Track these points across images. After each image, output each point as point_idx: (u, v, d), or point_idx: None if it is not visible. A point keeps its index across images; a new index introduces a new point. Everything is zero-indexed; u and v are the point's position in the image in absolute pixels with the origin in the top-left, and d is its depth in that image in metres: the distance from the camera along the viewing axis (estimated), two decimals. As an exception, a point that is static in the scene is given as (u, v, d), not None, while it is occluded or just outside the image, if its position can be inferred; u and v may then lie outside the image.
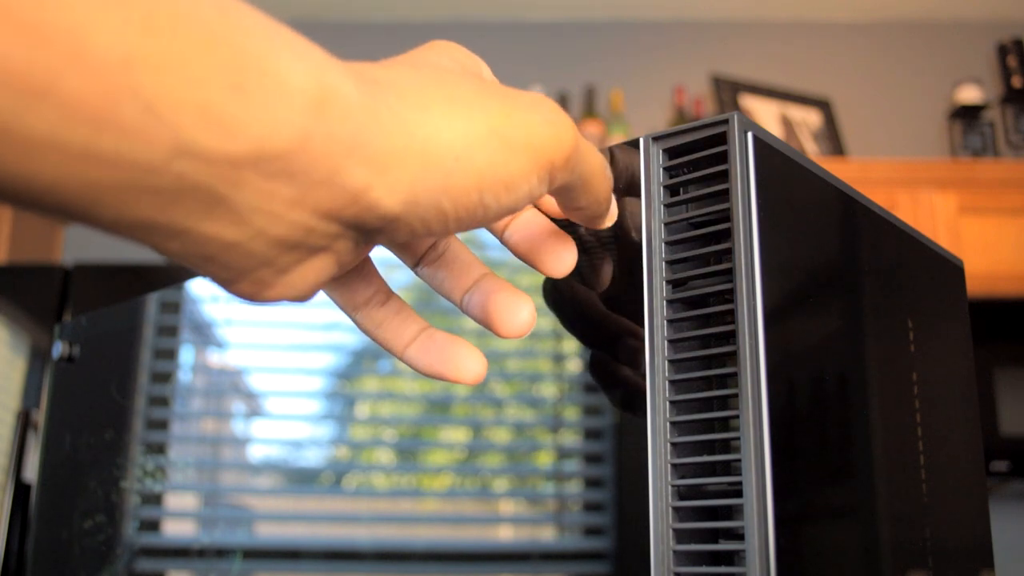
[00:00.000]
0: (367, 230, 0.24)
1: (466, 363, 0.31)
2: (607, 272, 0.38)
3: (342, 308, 0.32)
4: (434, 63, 0.29)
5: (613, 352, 0.38)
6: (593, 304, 0.38)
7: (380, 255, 0.32)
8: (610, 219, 0.32)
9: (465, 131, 0.24)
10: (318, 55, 0.22)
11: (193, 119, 0.19)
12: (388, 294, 0.32)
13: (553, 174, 0.26)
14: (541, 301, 0.40)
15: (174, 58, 0.18)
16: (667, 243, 0.35)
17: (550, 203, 0.34)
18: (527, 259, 0.32)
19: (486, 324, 0.31)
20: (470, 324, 0.33)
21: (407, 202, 0.23)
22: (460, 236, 0.33)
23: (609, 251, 0.37)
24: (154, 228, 0.21)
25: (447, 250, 0.32)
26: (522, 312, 0.31)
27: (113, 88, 0.18)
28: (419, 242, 0.33)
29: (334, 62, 0.22)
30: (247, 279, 0.23)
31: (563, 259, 0.32)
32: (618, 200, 0.35)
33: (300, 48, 0.21)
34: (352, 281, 0.31)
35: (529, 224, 0.32)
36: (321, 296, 0.33)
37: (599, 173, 0.29)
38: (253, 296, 0.24)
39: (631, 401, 0.36)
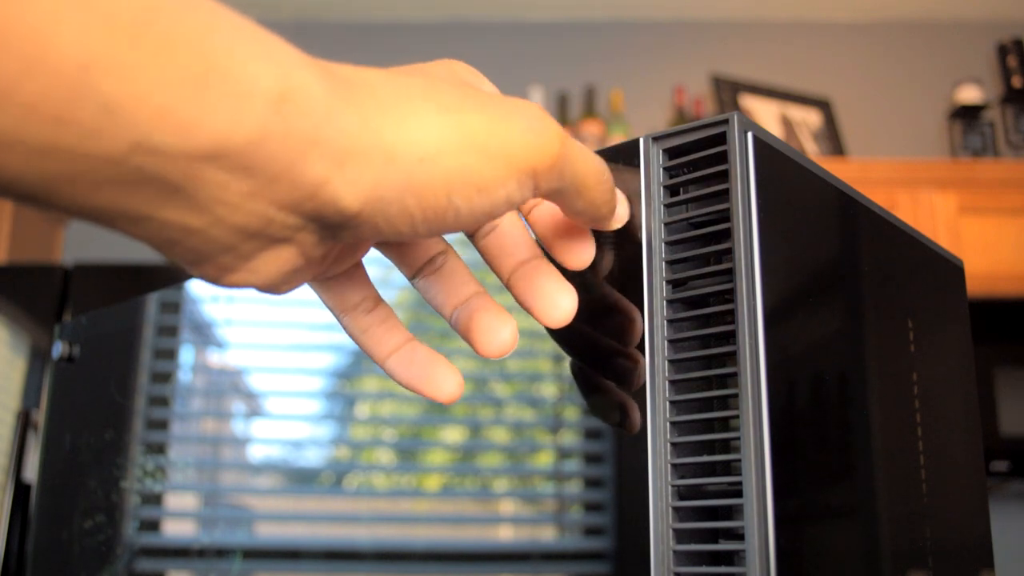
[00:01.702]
0: (329, 224, 0.24)
1: (443, 382, 0.31)
2: (603, 273, 0.38)
3: (331, 310, 0.32)
4: (431, 73, 0.29)
5: (599, 363, 0.38)
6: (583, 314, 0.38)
7: (374, 256, 0.32)
8: (617, 221, 0.32)
9: (438, 135, 0.24)
10: (285, 52, 0.22)
11: (151, 118, 0.19)
12: (376, 302, 0.32)
13: (536, 180, 0.26)
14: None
15: (134, 61, 0.19)
16: (667, 243, 0.35)
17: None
18: (546, 245, 0.33)
19: (468, 342, 0.32)
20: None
21: (368, 199, 0.23)
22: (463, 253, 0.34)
23: (608, 252, 0.37)
24: (115, 214, 0.21)
25: (444, 265, 0.33)
26: (502, 332, 0.31)
27: (72, 91, 0.18)
28: (416, 253, 0.33)
29: (302, 60, 0.22)
30: (210, 263, 0.24)
31: (580, 253, 0.32)
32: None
33: (265, 46, 0.21)
34: (341, 284, 0.32)
35: (531, 271, 0.32)
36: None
37: (594, 177, 0.28)
38: (217, 280, 0.24)
39: (617, 404, 0.36)
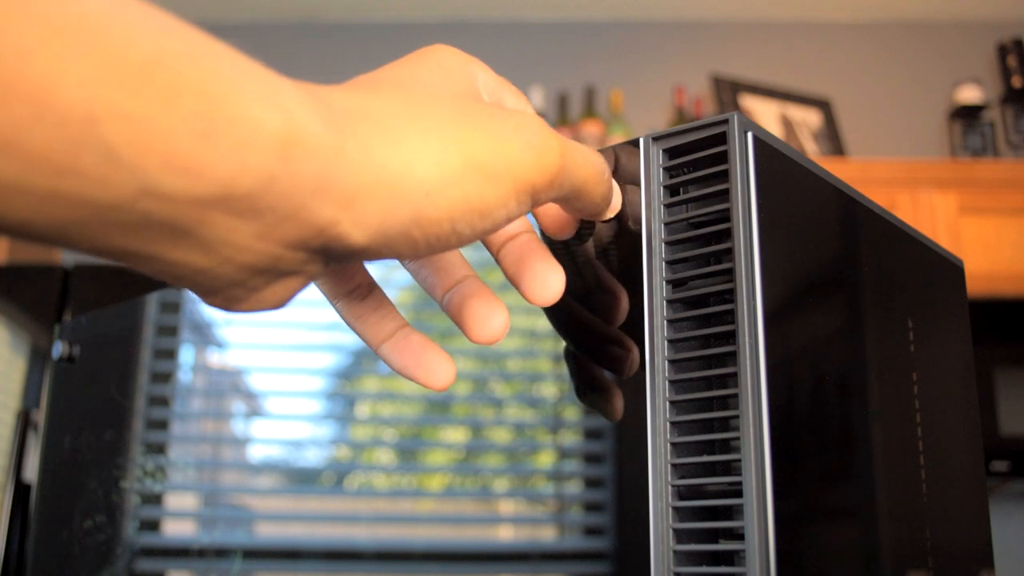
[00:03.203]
0: (336, 256, 0.24)
1: (436, 370, 0.31)
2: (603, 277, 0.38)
3: (325, 296, 0.32)
4: (422, 80, 0.28)
5: (596, 356, 0.38)
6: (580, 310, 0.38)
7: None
8: (611, 211, 0.33)
9: (439, 163, 0.24)
10: (287, 93, 0.22)
11: (158, 165, 0.19)
12: (371, 288, 0.32)
13: (535, 196, 0.26)
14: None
15: (139, 109, 0.19)
16: (667, 243, 0.35)
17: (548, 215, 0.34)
18: (514, 282, 0.32)
19: (460, 327, 0.32)
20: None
21: (375, 235, 0.23)
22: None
23: (609, 255, 0.37)
24: (124, 254, 0.21)
25: None
26: (494, 320, 0.31)
27: (77, 140, 0.18)
28: None
29: (303, 97, 0.22)
30: (219, 295, 0.24)
31: (547, 286, 0.31)
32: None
33: (269, 87, 0.21)
34: (336, 272, 0.32)
35: (521, 247, 0.32)
36: (321, 296, 0.33)
37: (593, 180, 0.29)
38: (225, 308, 0.25)
39: (612, 400, 0.36)
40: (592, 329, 0.37)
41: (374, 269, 0.33)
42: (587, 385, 0.38)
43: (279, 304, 0.25)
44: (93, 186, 0.19)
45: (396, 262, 0.34)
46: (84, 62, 0.18)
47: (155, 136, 0.19)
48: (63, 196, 0.19)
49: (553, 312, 0.40)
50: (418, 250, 0.25)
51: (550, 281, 0.31)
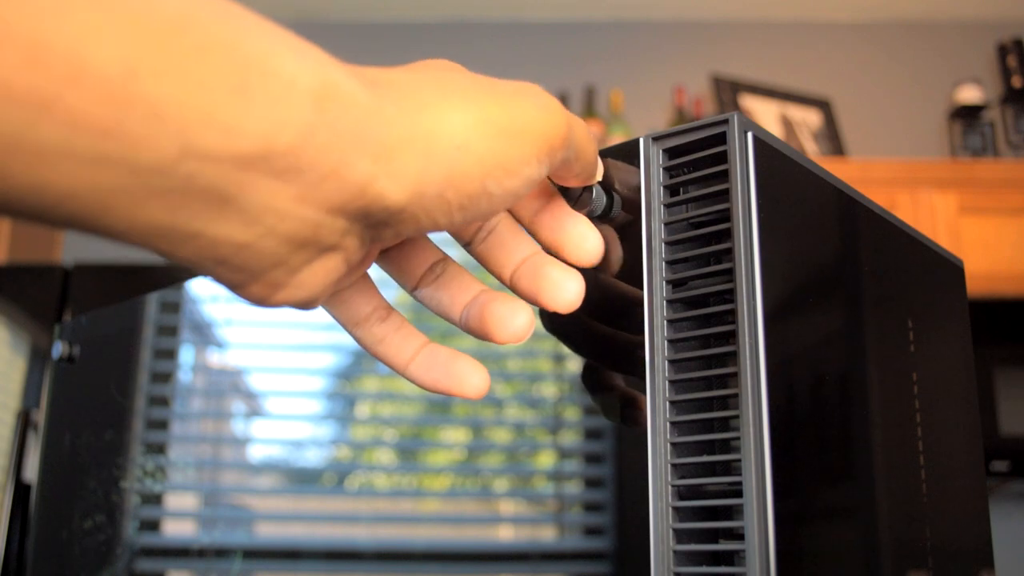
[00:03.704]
0: (374, 223, 0.24)
1: (470, 378, 0.31)
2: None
3: (343, 325, 0.32)
4: (433, 68, 0.29)
5: (610, 362, 0.38)
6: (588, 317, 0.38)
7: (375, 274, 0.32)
8: (599, 173, 0.33)
9: (463, 121, 0.25)
10: (318, 54, 0.22)
11: (198, 122, 0.19)
12: (388, 310, 0.32)
13: (552, 156, 0.27)
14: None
15: (175, 65, 0.19)
16: (667, 243, 0.35)
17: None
18: (532, 297, 0.32)
19: (484, 333, 0.31)
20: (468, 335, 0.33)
21: (413, 193, 0.24)
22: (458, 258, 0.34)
23: (608, 252, 0.37)
24: (165, 233, 0.21)
25: (445, 271, 0.33)
26: (518, 318, 0.31)
27: (118, 98, 0.18)
28: (416, 263, 0.33)
29: (334, 61, 0.23)
30: (259, 281, 0.24)
31: (566, 288, 0.31)
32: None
33: (300, 48, 0.22)
34: (352, 297, 0.31)
35: (534, 263, 0.32)
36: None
37: (587, 138, 0.30)
38: (265, 299, 0.25)
39: (625, 405, 0.36)
40: (612, 340, 0.37)
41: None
42: (609, 399, 0.38)
43: (316, 293, 0.25)
44: (136, 147, 0.19)
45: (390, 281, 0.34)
46: (115, 21, 0.18)
47: (192, 92, 0.19)
48: (107, 159, 0.19)
49: (570, 331, 0.39)
50: (452, 213, 0.25)
51: (569, 284, 0.31)
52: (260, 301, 0.25)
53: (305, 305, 0.26)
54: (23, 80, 0.17)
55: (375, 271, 0.33)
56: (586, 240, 0.32)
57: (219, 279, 0.24)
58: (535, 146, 0.26)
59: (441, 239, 0.33)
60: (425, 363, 0.32)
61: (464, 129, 0.24)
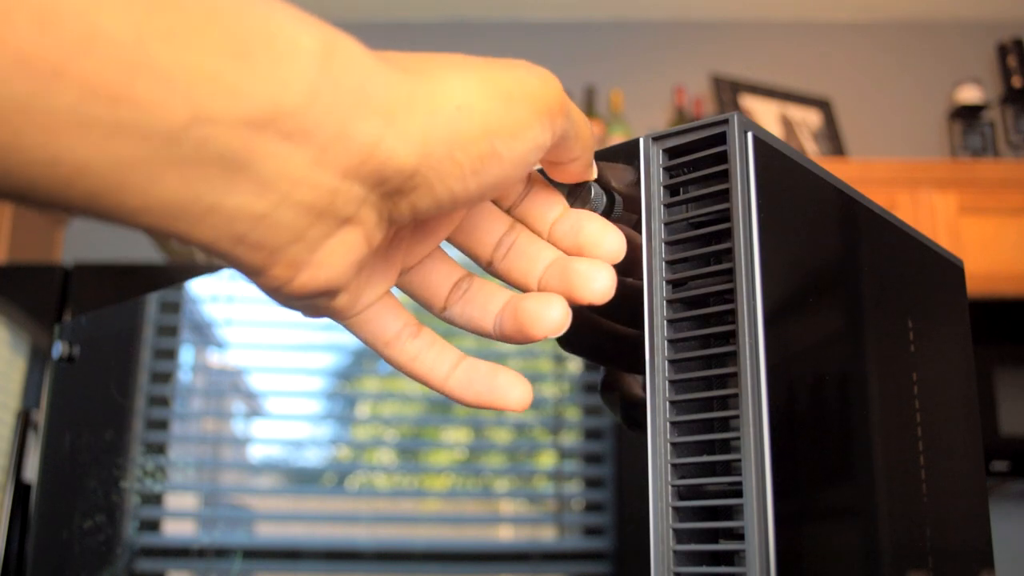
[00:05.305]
0: (389, 191, 0.24)
1: (511, 390, 0.31)
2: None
3: (372, 346, 0.31)
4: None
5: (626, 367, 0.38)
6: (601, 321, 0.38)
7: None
8: (594, 171, 0.33)
9: (463, 84, 0.25)
10: (318, 21, 0.23)
11: (205, 86, 0.20)
12: (419, 327, 0.31)
13: (553, 121, 0.27)
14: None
15: (182, 31, 0.19)
16: (667, 243, 0.35)
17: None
18: (564, 292, 0.32)
19: (520, 333, 0.31)
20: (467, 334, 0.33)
21: (420, 153, 0.24)
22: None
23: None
24: (181, 210, 0.21)
25: (471, 286, 0.32)
26: (553, 310, 0.30)
27: (128, 63, 0.19)
28: (442, 282, 0.32)
29: (334, 28, 0.23)
30: (280, 261, 0.24)
31: (597, 278, 0.31)
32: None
33: (302, 15, 0.22)
34: (379, 314, 0.31)
35: (560, 263, 0.32)
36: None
37: (583, 117, 0.30)
38: (287, 283, 0.24)
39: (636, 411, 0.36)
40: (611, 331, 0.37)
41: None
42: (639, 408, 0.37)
43: (339, 273, 0.25)
44: (148, 113, 0.19)
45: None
46: None
47: (198, 56, 0.19)
48: (119, 126, 0.19)
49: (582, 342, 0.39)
50: (466, 179, 0.25)
51: (600, 275, 0.31)
52: (282, 287, 0.24)
53: (329, 289, 0.25)
54: (35, 47, 0.17)
55: (402, 296, 0.32)
56: (606, 237, 0.32)
57: (239, 264, 0.24)
58: (535, 108, 0.26)
59: (463, 263, 0.33)
60: (465, 378, 0.31)
61: (464, 91, 0.25)
